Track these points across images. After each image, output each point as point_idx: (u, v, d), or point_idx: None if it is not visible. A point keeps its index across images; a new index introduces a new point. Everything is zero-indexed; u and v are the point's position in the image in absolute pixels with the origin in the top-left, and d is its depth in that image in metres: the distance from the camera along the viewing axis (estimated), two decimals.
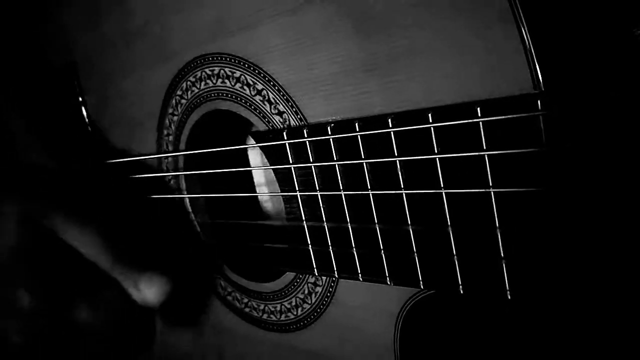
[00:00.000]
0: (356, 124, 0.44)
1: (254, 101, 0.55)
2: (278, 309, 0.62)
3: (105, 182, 0.73)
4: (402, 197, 0.43)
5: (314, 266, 0.53)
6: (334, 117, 0.47)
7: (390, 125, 0.42)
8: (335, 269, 0.51)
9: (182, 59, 0.61)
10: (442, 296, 0.46)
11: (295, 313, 0.60)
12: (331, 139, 0.47)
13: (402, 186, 0.43)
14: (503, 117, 0.36)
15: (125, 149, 0.73)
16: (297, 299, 0.59)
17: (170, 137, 0.67)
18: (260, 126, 0.55)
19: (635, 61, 0.35)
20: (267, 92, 0.53)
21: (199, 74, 0.60)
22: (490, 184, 0.37)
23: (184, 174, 0.67)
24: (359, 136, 0.44)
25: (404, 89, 0.42)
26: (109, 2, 0.68)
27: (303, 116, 0.50)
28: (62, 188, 0.65)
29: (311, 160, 0.49)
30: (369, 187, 0.45)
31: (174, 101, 0.64)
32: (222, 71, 0.57)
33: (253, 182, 0.73)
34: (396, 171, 0.43)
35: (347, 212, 0.48)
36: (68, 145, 0.80)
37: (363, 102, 0.45)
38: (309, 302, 0.57)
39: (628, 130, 0.33)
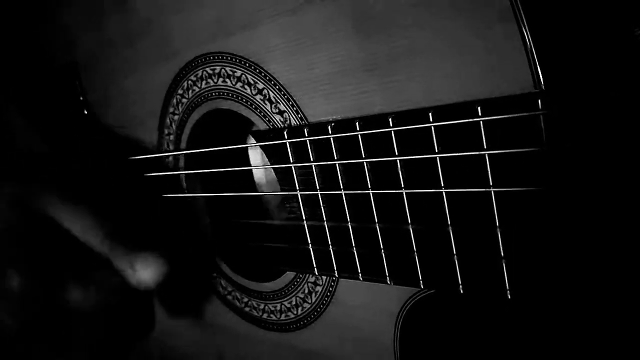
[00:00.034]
0: (356, 124, 0.44)
1: (254, 100, 0.55)
2: (278, 308, 0.62)
3: (102, 165, 0.72)
4: (403, 197, 0.43)
5: (314, 265, 0.53)
6: (334, 117, 0.47)
7: (391, 125, 0.42)
8: (335, 268, 0.51)
9: (183, 58, 0.61)
10: (442, 296, 0.46)
11: (295, 312, 0.60)
12: (332, 138, 0.47)
13: (403, 185, 0.43)
14: (503, 116, 0.36)
15: (126, 148, 0.73)
16: (297, 298, 0.59)
17: (171, 137, 0.67)
18: (261, 125, 0.55)
19: (635, 61, 0.35)
20: (268, 92, 0.53)
21: (200, 73, 0.60)
22: (491, 184, 0.38)
23: (185, 173, 0.67)
24: (359, 135, 0.44)
25: (404, 89, 0.42)
26: (110, 1, 0.68)
27: (304, 115, 0.50)
28: (52, 168, 0.63)
29: (312, 159, 0.49)
30: (369, 187, 0.45)
31: (175, 100, 0.64)
32: (223, 70, 0.57)
33: (253, 182, 0.73)
34: (396, 170, 0.43)
35: (347, 212, 0.48)
36: (68, 144, 0.80)
37: (363, 101, 0.45)
38: (309, 301, 0.57)
39: (628, 130, 0.33)
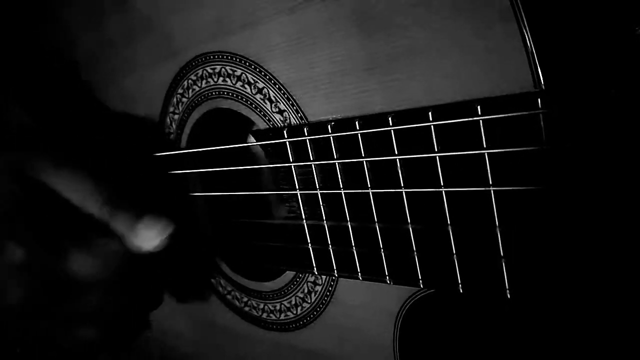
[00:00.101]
0: (356, 123, 0.44)
1: (254, 100, 0.55)
2: (278, 308, 0.62)
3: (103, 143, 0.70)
4: (402, 196, 0.43)
5: (314, 265, 0.53)
6: (334, 116, 0.47)
7: (391, 124, 0.42)
8: (334, 267, 0.51)
9: (183, 58, 0.61)
10: (442, 295, 0.46)
11: (294, 312, 0.60)
12: (331, 138, 0.47)
13: (402, 185, 0.43)
14: (503, 115, 0.36)
15: (126, 147, 0.73)
16: (297, 298, 0.59)
17: (172, 136, 0.67)
18: (261, 125, 0.55)
19: (636, 60, 0.35)
20: (268, 91, 0.53)
21: (200, 72, 0.60)
22: (490, 183, 0.37)
23: (185, 173, 0.67)
24: (359, 134, 0.44)
25: (404, 88, 0.42)
26: (110, 1, 0.68)
27: (304, 114, 0.50)
28: (44, 137, 0.61)
29: (311, 158, 0.49)
30: (369, 186, 0.45)
31: (175, 100, 0.64)
32: (223, 70, 0.57)
33: (253, 181, 0.73)
34: (396, 169, 0.43)
35: (347, 211, 0.48)
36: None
37: (363, 100, 0.45)
38: (309, 301, 0.57)
39: (628, 128, 0.33)
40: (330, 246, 0.50)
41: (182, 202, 0.69)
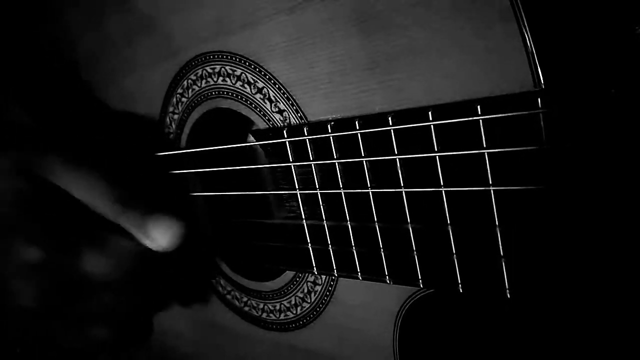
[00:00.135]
0: (356, 122, 0.44)
1: (254, 99, 0.55)
2: (277, 307, 0.62)
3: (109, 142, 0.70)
4: (402, 196, 0.43)
5: (314, 265, 0.53)
6: (334, 115, 0.47)
7: (390, 123, 0.42)
8: (334, 267, 0.51)
9: (183, 57, 0.61)
10: (442, 295, 0.46)
11: (294, 312, 0.60)
12: (331, 137, 0.47)
13: (402, 184, 0.43)
14: (503, 115, 0.36)
15: (125, 147, 0.73)
16: (297, 297, 0.59)
17: (171, 136, 0.67)
18: (261, 124, 0.55)
19: (636, 59, 0.35)
20: (268, 91, 0.53)
21: (199, 72, 0.60)
22: (490, 182, 0.37)
23: (185, 172, 0.67)
24: (359, 134, 0.44)
25: (404, 88, 0.42)
26: (110, 1, 0.68)
27: (303, 114, 0.50)
28: (49, 136, 0.60)
29: (311, 158, 0.49)
30: (369, 186, 0.45)
31: (174, 99, 0.64)
32: (222, 69, 0.57)
33: (253, 181, 0.73)
34: (396, 169, 0.43)
35: (346, 211, 0.48)
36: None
37: (363, 100, 0.45)
38: (309, 301, 0.57)
39: (628, 128, 0.33)
40: (330, 246, 0.50)
41: (182, 202, 0.69)
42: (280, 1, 0.48)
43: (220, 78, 0.58)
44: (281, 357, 0.64)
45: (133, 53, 0.67)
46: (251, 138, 0.65)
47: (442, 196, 0.41)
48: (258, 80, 0.53)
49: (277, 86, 0.52)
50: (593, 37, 0.35)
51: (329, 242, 0.50)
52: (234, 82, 0.56)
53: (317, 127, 0.48)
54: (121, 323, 0.60)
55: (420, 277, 0.44)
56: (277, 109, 0.53)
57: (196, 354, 0.77)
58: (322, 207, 0.50)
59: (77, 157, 0.59)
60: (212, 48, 0.57)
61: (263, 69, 0.52)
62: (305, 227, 0.52)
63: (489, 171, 0.37)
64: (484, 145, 0.37)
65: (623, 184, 0.33)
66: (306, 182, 0.50)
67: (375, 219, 0.46)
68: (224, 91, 0.58)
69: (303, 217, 0.52)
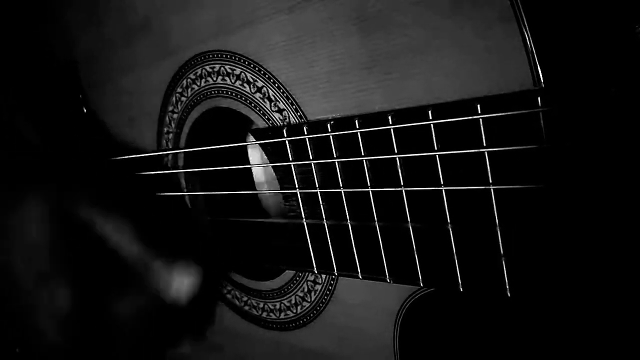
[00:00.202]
0: (356, 121, 0.44)
1: (254, 99, 0.55)
2: (277, 307, 0.62)
3: (115, 178, 0.72)
4: (402, 195, 0.43)
5: (314, 264, 0.53)
6: (333, 115, 0.47)
7: (390, 122, 0.42)
8: (334, 266, 0.51)
9: (182, 57, 0.61)
10: (442, 294, 0.46)
11: (294, 311, 0.60)
12: (331, 136, 0.47)
13: (402, 183, 0.43)
14: (503, 114, 0.36)
15: (125, 146, 0.73)
16: (297, 297, 0.59)
17: (171, 135, 0.67)
18: (261, 124, 0.55)
19: (636, 58, 0.35)
20: (267, 90, 0.53)
21: (199, 71, 0.60)
22: (490, 181, 0.37)
23: (184, 172, 0.67)
24: (358, 133, 0.44)
25: (404, 87, 0.42)
26: (110, 1, 0.68)
27: (303, 113, 0.50)
28: (93, 177, 0.63)
29: (311, 157, 0.49)
30: (369, 185, 0.45)
31: (174, 99, 0.64)
32: (222, 68, 0.57)
33: (253, 181, 0.73)
34: (396, 168, 0.43)
35: (346, 210, 0.48)
36: (69, 144, 0.80)
37: (363, 99, 0.45)
38: (309, 300, 0.57)
39: (628, 127, 0.33)
40: (330, 245, 0.50)
41: (181, 202, 0.69)
42: (279, 0, 0.48)
43: (220, 77, 0.58)
44: (281, 356, 0.64)
45: (132, 52, 0.67)
46: (251, 137, 0.65)
47: (443, 195, 0.41)
48: (257, 80, 0.53)
49: (276, 85, 0.52)
50: (593, 36, 0.35)
51: (329, 242, 0.50)
52: (233, 81, 0.56)
53: (317, 126, 0.48)
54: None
55: (420, 276, 0.44)
56: (276, 108, 0.53)
57: (196, 353, 0.77)
58: (322, 206, 0.50)
59: (120, 207, 0.61)
60: (211, 47, 0.57)
61: (263, 68, 0.52)
62: (306, 226, 0.52)
63: (489, 170, 0.37)
64: (484, 144, 0.37)
65: (623, 183, 0.33)
66: (306, 182, 0.50)
67: (376, 218, 0.46)
68: (224, 90, 0.58)
69: (303, 216, 0.52)
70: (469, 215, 0.40)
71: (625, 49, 0.35)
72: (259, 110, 0.55)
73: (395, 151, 0.42)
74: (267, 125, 0.54)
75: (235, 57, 0.55)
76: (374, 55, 0.43)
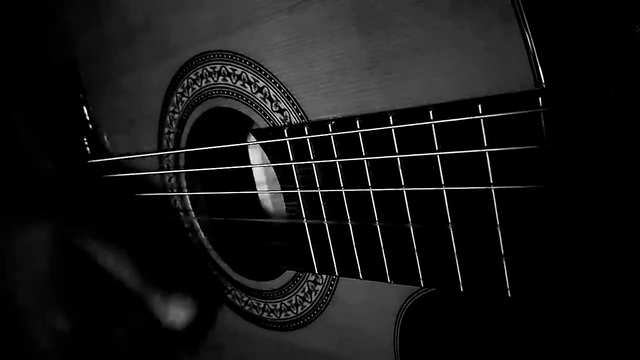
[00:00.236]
0: (357, 121, 0.44)
1: (255, 99, 0.55)
2: (278, 307, 0.62)
3: (115, 202, 0.73)
4: (403, 195, 0.43)
5: (314, 264, 0.53)
6: (334, 115, 0.47)
7: (391, 123, 0.42)
8: (335, 267, 0.51)
9: (182, 57, 0.61)
10: (443, 294, 0.46)
11: (295, 311, 0.60)
12: (332, 137, 0.47)
13: (403, 183, 0.43)
14: (504, 114, 0.36)
15: (125, 147, 0.73)
16: (297, 297, 0.59)
17: (171, 135, 0.67)
18: (261, 124, 0.55)
19: (636, 58, 0.35)
20: (268, 90, 0.53)
21: (200, 71, 0.60)
22: (491, 181, 0.37)
23: (184, 172, 0.67)
24: (359, 133, 0.44)
25: (404, 87, 0.42)
26: (109, 1, 0.68)
27: (304, 114, 0.50)
28: (94, 206, 0.65)
29: (312, 157, 0.49)
30: (370, 185, 0.45)
31: (175, 99, 0.64)
32: (223, 69, 0.57)
33: (254, 181, 0.73)
34: (397, 168, 0.43)
35: (347, 210, 0.48)
36: (69, 144, 0.80)
37: (364, 99, 0.45)
38: (309, 300, 0.57)
39: (629, 127, 0.33)
40: (330, 245, 0.50)
41: (180, 226, 0.70)
42: (279, 0, 0.48)
43: (221, 77, 0.58)
44: (281, 356, 0.64)
45: (132, 52, 0.67)
46: (252, 137, 0.65)
47: (443, 195, 0.41)
48: (258, 80, 0.53)
49: (277, 85, 0.52)
50: (593, 36, 0.35)
51: (330, 242, 0.50)
52: (234, 81, 0.56)
53: (318, 126, 0.48)
54: None
55: (421, 276, 0.44)
56: (277, 108, 0.53)
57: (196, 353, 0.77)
58: (322, 206, 0.50)
59: (120, 236, 0.63)
60: (212, 47, 0.57)
61: (263, 68, 0.52)
62: (306, 226, 0.52)
63: (490, 170, 0.37)
64: (485, 145, 0.37)
65: (623, 183, 0.33)
66: (307, 182, 0.50)
67: (376, 218, 0.46)
68: (225, 90, 0.58)
69: (304, 216, 0.52)
70: (470, 215, 0.40)
71: (625, 49, 0.35)
72: (260, 111, 0.55)
73: (396, 151, 0.42)
74: (268, 125, 0.54)
75: (235, 57, 0.55)
76: (374, 56, 0.43)
